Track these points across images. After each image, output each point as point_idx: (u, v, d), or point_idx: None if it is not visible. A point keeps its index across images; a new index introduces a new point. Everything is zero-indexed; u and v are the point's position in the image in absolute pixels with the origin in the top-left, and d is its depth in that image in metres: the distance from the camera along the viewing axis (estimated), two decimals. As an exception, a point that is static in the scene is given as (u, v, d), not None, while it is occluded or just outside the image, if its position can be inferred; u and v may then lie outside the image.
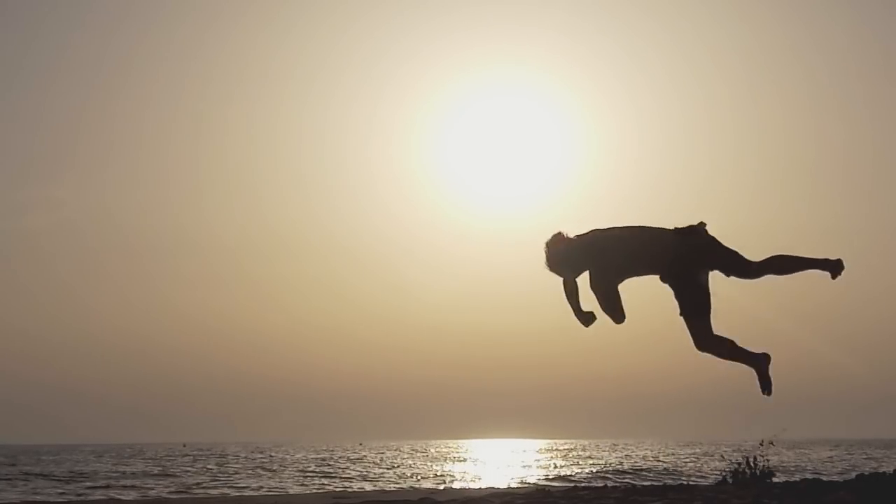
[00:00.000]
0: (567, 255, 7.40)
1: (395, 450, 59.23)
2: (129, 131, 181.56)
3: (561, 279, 7.49)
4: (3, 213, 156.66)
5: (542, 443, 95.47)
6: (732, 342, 7.39)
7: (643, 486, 10.75)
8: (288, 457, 42.08)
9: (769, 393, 7.40)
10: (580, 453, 46.34)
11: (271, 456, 43.90)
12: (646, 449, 56.54)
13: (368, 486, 19.80)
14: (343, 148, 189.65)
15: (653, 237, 7.43)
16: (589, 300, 7.41)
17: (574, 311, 7.41)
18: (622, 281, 7.41)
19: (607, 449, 57.63)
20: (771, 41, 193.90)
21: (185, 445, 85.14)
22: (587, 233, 7.49)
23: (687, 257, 7.34)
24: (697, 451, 50.65)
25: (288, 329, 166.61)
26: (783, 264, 7.48)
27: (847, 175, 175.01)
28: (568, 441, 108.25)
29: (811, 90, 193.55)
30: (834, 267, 7.38)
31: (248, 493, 18.15)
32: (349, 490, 18.23)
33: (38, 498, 17.52)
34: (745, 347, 7.39)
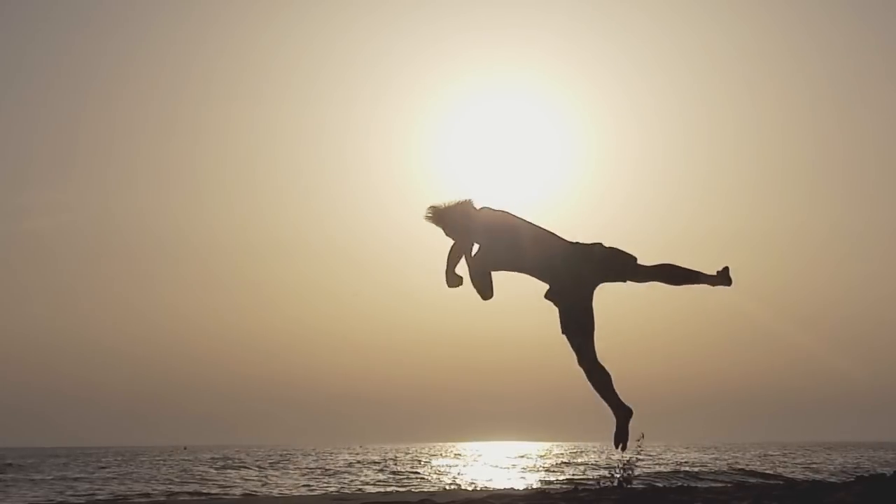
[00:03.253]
0: (466, 227, 7.51)
1: (396, 452, 59.24)
2: (129, 133, 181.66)
3: (443, 234, 7.65)
4: (3, 216, 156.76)
5: (543, 445, 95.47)
6: (609, 378, 7.49)
7: (643, 487, 10.75)
8: (288, 458, 42.07)
9: (623, 448, 7.55)
10: (581, 455, 46.35)
11: (271, 457, 43.90)
12: (647, 451, 56.52)
13: (368, 488, 19.81)
14: (343, 150, 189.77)
15: (552, 246, 7.47)
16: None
17: (447, 268, 7.54)
18: (500, 270, 7.52)
19: (608, 451, 57.62)
20: (771, 42, 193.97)
21: (185, 448, 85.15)
22: (496, 211, 7.56)
23: (576, 275, 7.39)
24: (698, 452, 50.67)
25: (288, 331, 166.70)
26: (672, 274, 7.47)
27: (848, 176, 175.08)
28: (569, 443, 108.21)
29: (811, 91, 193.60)
30: (721, 280, 7.38)
31: (248, 493, 18.16)
32: (349, 491, 18.24)
33: (44, 499, 17.54)
34: (618, 393, 7.49)
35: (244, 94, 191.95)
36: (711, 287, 7.41)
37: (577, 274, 7.37)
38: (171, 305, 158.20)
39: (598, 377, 7.43)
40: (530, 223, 7.50)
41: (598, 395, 7.47)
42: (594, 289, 7.43)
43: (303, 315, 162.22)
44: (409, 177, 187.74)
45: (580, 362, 7.45)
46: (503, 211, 7.53)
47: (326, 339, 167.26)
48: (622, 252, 7.41)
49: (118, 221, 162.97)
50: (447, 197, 7.64)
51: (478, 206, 7.56)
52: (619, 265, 7.37)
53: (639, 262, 7.40)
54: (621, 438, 7.57)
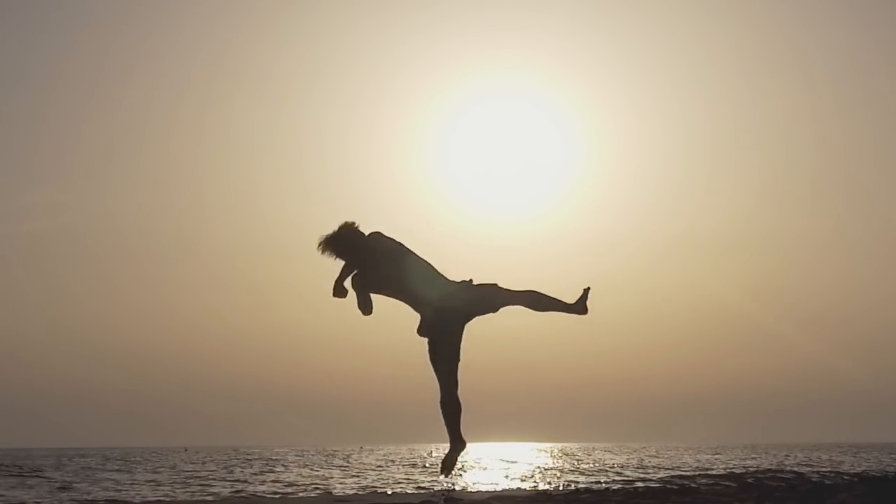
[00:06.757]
0: (355, 246, 7.93)
1: (397, 453, 59.23)
2: (131, 134, 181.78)
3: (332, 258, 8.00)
4: (5, 217, 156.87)
5: (545, 446, 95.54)
6: (460, 411, 7.84)
7: (645, 489, 10.73)
8: (289, 459, 42.07)
9: (447, 475, 7.98)
10: (583, 457, 46.37)
11: (272, 458, 43.91)
12: (648, 453, 56.55)
13: (370, 489, 19.79)
14: (344, 151, 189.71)
15: (431, 280, 7.89)
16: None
17: (336, 281, 7.97)
18: (380, 292, 7.95)
19: (610, 452, 57.64)
20: (771, 42, 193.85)
21: (186, 450, 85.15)
22: (387, 238, 7.92)
23: (449, 311, 7.77)
24: (700, 453, 50.63)
25: (289, 332, 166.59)
26: (536, 300, 7.85)
27: (849, 177, 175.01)
28: (571, 444, 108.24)
29: (812, 91, 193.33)
30: (577, 308, 7.74)
31: (248, 493, 18.14)
32: (350, 492, 18.23)
33: (43, 500, 17.55)
34: (461, 430, 7.87)
35: (245, 95, 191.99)
36: (567, 315, 7.86)
37: (450, 309, 7.80)
38: (172, 306, 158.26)
39: (453, 407, 7.88)
40: (417, 257, 7.92)
41: (444, 421, 7.87)
42: (464, 324, 7.88)
43: (303, 315, 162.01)
44: (410, 177, 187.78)
45: (441, 388, 7.85)
46: (393, 240, 7.94)
47: (327, 339, 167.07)
48: (484, 285, 7.82)
49: (119, 222, 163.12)
50: (334, 225, 8.10)
51: (366, 230, 7.96)
52: (484, 298, 7.75)
53: (500, 286, 7.81)
54: (449, 467, 8.03)
